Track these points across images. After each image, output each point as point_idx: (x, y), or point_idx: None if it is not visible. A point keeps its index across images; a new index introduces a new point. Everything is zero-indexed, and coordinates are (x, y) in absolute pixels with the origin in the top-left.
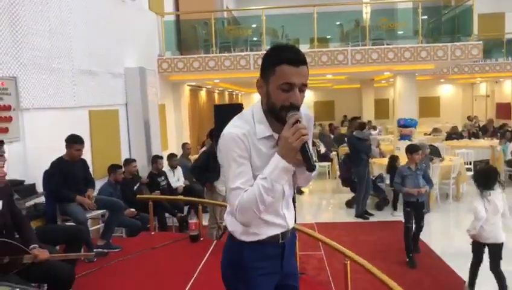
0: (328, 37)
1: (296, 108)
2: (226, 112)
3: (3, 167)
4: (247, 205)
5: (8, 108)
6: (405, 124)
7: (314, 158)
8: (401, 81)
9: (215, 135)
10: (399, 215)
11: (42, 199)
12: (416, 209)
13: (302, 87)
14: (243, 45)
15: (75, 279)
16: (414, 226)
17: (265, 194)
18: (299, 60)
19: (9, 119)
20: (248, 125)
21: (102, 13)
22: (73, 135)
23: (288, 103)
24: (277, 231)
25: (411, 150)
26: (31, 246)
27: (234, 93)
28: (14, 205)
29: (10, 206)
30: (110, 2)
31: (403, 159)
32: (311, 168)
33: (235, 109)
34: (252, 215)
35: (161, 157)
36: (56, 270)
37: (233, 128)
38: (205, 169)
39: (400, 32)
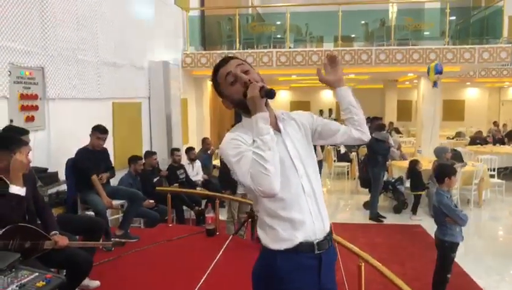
0: (353, 35)
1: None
2: None
3: (28, 155)
4: (253, 171)
5: (34, 97)
6: (441, 70)
7: (322, 156)
8: (426, 83)
9: None
10: (418, 220)
11: (64, 187)
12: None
13: (242, 68)
14: (266, 41)
15: (92, 266)
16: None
17: (260, 151)
18: (224, 60)
19: (35, 108)
20: (242, 133)
21: (129, 6)
22: (98, 125)
23: (243, 88)
24: (307, 234)
25: (449, 172)
26: (52, 233)
27: None
28: (37, 192)
29: (33, 192)
30: None
31: (425, 163)
32: (271, 91)
33: None
34: (264, 177)
35: (178, 150)
36: (75, 257)
37: (225, 138)
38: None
39: (426, 33)
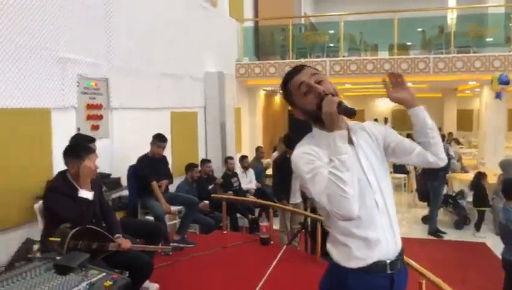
0: (409, 43)
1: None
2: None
3: (95, 161)
4: (331, 192)
5: (99, 107)
6: (507, 81)
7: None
8: (489, 91)
9: (290, 140)
10: (481, 237)
11: (126, 192)
12: None
13: (316, 78)
14: (320, 50)
15: (153, 269)
16: None
17: (338, 172)
18: (297, 68)
19: (100, 118)
20: (314, 145)
21: (186, 19)
22: (159, 133)
23: (317, 99)
24: (382, 253)
25: None
26: (116, 235)
27: None
28: (102, 196)
29: (100, 197)
30: (193, 9)
31: (489, 177)
32: (351, 110)
33: None
34: (343, 200)
35: (231, 158)
36: (137, 260)
37: (297, 150)
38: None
39: (488, 40)
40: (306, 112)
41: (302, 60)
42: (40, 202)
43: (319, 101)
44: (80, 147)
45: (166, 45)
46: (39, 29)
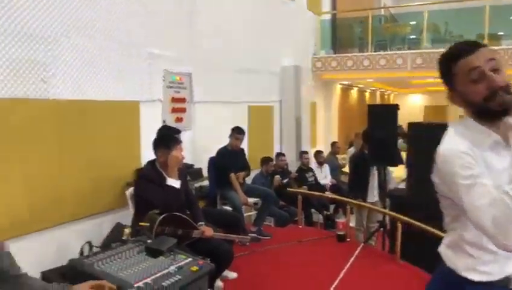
0: (500, 33)
1: (503, 90)
2: (380, 112)
3: (181, 151)
4: (500, 215)
5: (183, 100)
6: None
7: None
8: None
9: (368, 136)
10: None
11: (206, 183)
12: None
13: (492, 65)
14: (400, 43)
15: (233, 258)
16: None
17: None
18: (469, 46)
19: (183, 110)
20: (467, 140)
21: (264, 14)
22: (237, 126)
23: (487, 91)
24: (509, 269)
25: None
26: (199, 223)
27: (386, 93)
28: (187, 186)
29: (185, 186)
30: (272, 4)
31: None
32: None
33: (390, 109)
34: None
35: (306, 152)
36: (218, 248)
37: (451, 144)
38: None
39: None
40: (468, 101)
41: (382, 53)
42: (131, 189)
43: (489, 94)
44: (169, 138)
45: (246, 40)
46: (130, 27)
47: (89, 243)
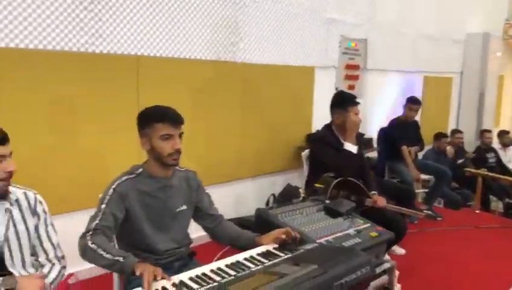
0: None
1: None
2: None
3: (359, 114)
4: None
5: (357, 67)
6: None
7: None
8: None
9: None
10: None
11: (375, 154)
12: None
13: None
14: None
15: (406, 233)
16: None
17: None
18: None
19: (356, 78)
20: None
21: None
22: (412, 96)
23: None
24: None
25: None
26: (372, 192)
27: None
28: (361, 152)
29: (359, 152)
30: None
31: None
32: None
33: None
34: None
35: (489, 131)
36: (392, 220)
37: None
38: None
39: None
40: None
41: None
42: (307, 150)
43: None
44: (346, 99)
45: (428, 4)
46: None
47: (273, 195)
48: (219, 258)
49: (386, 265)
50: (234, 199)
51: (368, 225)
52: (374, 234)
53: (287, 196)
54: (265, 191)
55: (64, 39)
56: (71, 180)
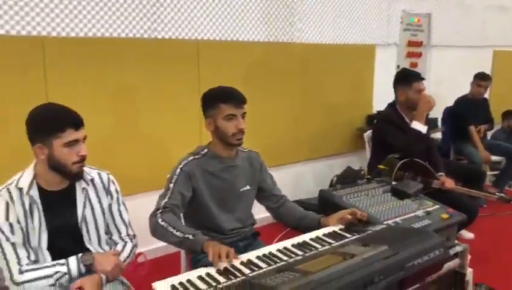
0: None
1: None
2: None
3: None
4: None
5: (419, 44)
6: None
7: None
8: None
9: None
10: None
11: (439, 135)
12: None
13: None
14: None
15: (477, 217)
16: None
17: None
18: None
19: (419, 55)
20: None
21: None
22: (480, 72)
23: None
24: None
25: None
26: (439, 173)
27: None
28: (429, 133)
29: (428, 133)
30: None
31: None
32: None
33: None
34: None
35: None
36: (461, 203)
37: None
38: None
39: None
40: None
41: None
42: (369, 131)
43: None
44: (409, 75)
45: None
46: None
47: (337, 176)
48: (280, 240)
49: (458, 248)
50: (292, 182)
51: (438, 206)
52: (444, 215)
53: (348, 179)
54: (323, 174)
55: (128, 26)
56: (136, 164)
